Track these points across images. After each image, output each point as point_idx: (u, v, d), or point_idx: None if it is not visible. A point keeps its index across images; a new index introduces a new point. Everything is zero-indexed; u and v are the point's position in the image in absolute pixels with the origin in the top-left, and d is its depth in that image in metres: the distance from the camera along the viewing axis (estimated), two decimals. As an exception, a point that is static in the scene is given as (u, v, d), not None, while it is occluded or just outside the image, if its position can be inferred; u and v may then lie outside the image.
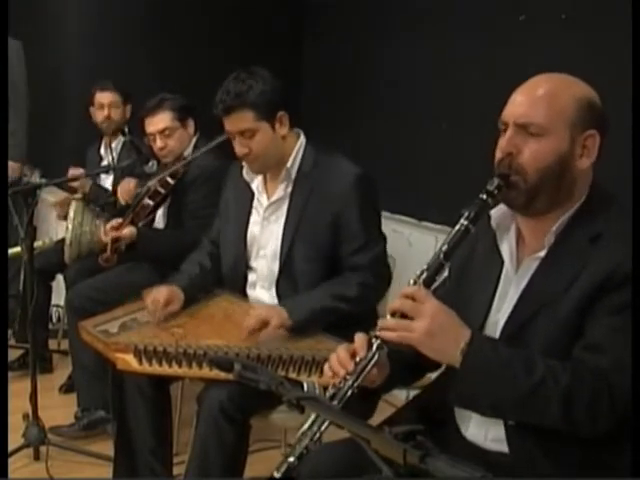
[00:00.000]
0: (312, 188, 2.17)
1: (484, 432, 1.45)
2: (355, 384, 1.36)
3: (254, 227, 2.26)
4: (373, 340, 1.39)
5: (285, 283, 2.19)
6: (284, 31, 4.43)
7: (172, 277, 2.32)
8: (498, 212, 1.47)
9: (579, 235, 1.37)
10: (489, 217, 1.47)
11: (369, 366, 1.38)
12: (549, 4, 2.90)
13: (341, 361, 1.41)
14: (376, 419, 1.22)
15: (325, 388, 1.43)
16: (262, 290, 2.25)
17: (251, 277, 2.28)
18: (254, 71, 2.13)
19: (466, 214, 1.38)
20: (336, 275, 2.15)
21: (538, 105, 1.39)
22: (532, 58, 2.89)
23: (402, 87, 3.70)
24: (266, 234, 2.23)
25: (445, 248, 1.37)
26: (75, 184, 3.41)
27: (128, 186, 2.99)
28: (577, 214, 1.40)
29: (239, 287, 2.29)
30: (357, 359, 1.39)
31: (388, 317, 1.36)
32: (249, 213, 2.28)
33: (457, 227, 1.39)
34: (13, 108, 3.67)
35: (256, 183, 2.27)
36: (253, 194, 2.27)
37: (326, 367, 1.45)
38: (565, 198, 1.40)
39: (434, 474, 0.89)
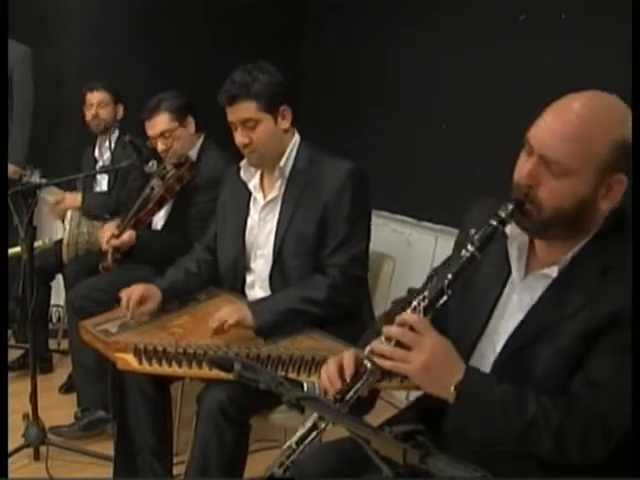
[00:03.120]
0: (305, 186, 2.17)
1: None
2: (347, 403, 1.35)
3: (252, 227, 2.27)
4: (365, 361, 1.37)
5: (277, 280, 2.20)
6: (284, 29, 4.43)
7: (155, 279, 2.34)
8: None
9: (590, 264, 1.33)
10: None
11: (360, 389, 1.36)
12: (549, 4, 2.90)
13: (329, 378, 1.40)
14: (377, 420, 1.22)
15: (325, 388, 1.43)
16: (260, 290, 2.25)
17: (249, 277, 2.28)
18: (261, 64, 2.16)
19: (475, 239, 1.34)
20: (323, 273, 2.16)
21: (567, 142, 1.28)
22: (532, 58, 2.89)
23: (403, 87, 3.70)
24: (263, 234, 2.24)
25: (450, 277, 1.33)
26: (67, 204, 3.44)
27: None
28: (591, 241, 1.36)
29: (238, 287, 2.30)
30: (346, 377, 1.38)
31: (383, 341, 1.33)
32: (246, 214, 2.29)
33: (463, 253, 1.34)
34: (17, 112, 3.70)
35: (253, 183, 2.27)
36: (250, 194, 2.28)
37: (318, 381, 1.44)
38: (580, 231, 1.36)
39: (434, 474, 0.89)
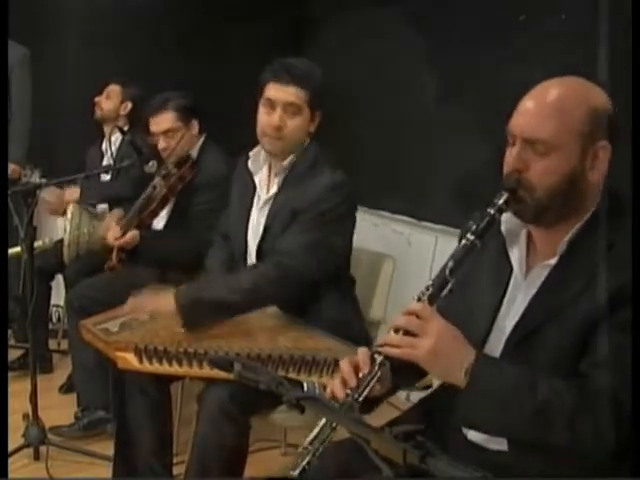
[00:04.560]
0: (295, 187, 2.18)
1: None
2: (358, 399, 1.36)
3: (254, 221, 2.29)
4: (376, 356, 1.38)
5: None
6: (285, 32, 4.42)
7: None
8: (508, 217, 1.44)
9: (590, 246, 1.35)
10: (499, 222, 1.44)
11: (372, 382, 1.37)
12: (549, 4, 2.90)
13: (345, 376, 1.40)
14: (378, 420, 1.21)
15: (325, 388, 1.43)
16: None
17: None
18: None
19: (473, 228, 1.37)
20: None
21: (546, 119, 1.34)
22: (532, 58, 2.89)
23: (403, 86, 3.70)
24: (257, 229, 2.26)
25: (451, 264, 1.35)
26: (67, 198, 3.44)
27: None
28: (588, 224, 1.38)
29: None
30: (360, 375, 1.38)
31: (391, 333, 1.35)
32: (250, 208, 2.30)
33: (463, 242, 1.37)
34: (17, 114, 3.70)
35: (259, 177, 2.28)
36: (255, 188, 2.29)
37: (330, 383, 1.44)
38: (575, 210, 1.38)
39: (434, 474, 0.89)
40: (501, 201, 1.36)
